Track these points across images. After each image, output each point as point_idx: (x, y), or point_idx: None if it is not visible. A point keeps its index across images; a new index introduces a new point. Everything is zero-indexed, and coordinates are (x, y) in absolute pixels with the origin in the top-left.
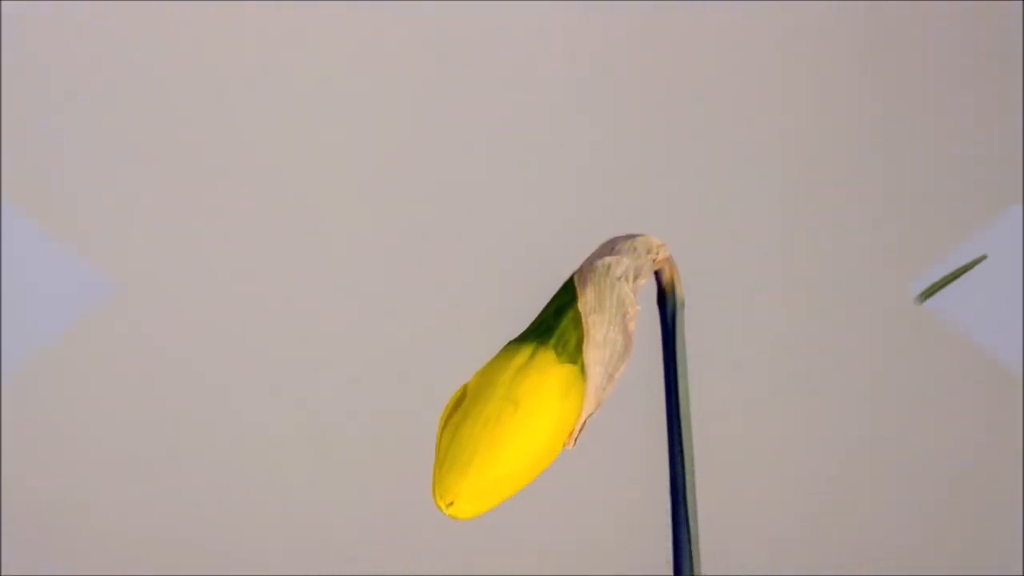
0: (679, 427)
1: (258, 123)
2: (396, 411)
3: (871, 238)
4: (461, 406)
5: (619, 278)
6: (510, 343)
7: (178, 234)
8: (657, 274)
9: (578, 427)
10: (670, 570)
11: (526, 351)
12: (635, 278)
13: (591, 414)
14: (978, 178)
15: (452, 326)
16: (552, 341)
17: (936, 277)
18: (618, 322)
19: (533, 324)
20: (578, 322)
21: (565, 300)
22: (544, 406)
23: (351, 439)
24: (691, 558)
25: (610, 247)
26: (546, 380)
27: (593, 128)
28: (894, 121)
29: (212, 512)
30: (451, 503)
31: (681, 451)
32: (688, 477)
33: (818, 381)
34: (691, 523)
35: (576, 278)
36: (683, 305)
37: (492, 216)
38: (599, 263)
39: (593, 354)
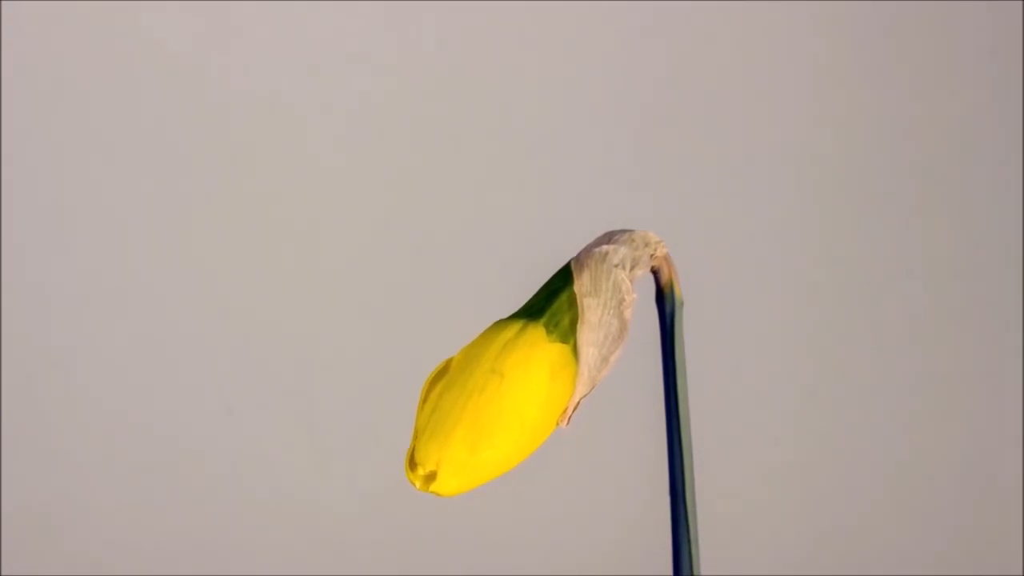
0: (678, 427)
1: (256, 119)
2: (396, 410)
3: (871, 238)
4: (444, 378)
5: (616, 265)
6: (499, 321)
7: (178, 233)
8: (656, 273)
9: (571, 406)
10: (670, 570)
11: (515, 327)
12: (632, 268)
13: (585, 395)
14: (977, 178)
15: (451, 325)
16: (543, 319)
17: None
18: (614, 307)
19: (525, 305)
20: (572, 303)
21: (559, 284)
22: (531, 380)
23: (351, 438)
24: (691, 558)
25: (607, 238)
26: (534, 354)
27: (593, 127)
28: (894, 121)
29: (212, 512)
30: (432, 473)
31: (680, 451)
32: (687, 477)
33: (817, 381)
34: (690, 523)
35: (572, 264)
36: (682, 305)
37: (491, 216)
38: (596, 251)
39: (587, 335)
